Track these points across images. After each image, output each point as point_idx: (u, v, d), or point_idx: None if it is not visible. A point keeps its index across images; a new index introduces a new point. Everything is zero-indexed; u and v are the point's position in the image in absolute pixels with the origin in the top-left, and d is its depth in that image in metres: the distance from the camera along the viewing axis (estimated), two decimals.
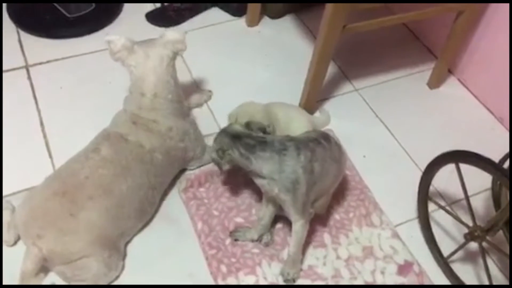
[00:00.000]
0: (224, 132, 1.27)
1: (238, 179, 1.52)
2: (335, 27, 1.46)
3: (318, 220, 1.46)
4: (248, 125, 1.28)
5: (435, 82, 1.90)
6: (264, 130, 1.30)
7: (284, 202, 1.23)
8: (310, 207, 1.27)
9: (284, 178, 1.20)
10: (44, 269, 1.28)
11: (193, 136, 1.49)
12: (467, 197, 1.27)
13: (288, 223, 1.33)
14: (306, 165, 1.21)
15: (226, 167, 1.26)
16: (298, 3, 2.10)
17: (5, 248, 1.34)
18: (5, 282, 1.26)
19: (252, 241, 1.39)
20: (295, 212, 1.24)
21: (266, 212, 1.35)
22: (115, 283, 1.31)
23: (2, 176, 1.47)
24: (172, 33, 1.42)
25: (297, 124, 1.56)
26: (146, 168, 1.36)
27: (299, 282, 1.33)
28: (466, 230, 1.30)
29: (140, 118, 1.39)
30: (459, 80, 1.93)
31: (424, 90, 1.89)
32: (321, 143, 1.27)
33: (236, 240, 1.39)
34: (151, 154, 1.37)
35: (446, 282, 1.38)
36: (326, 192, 1.35)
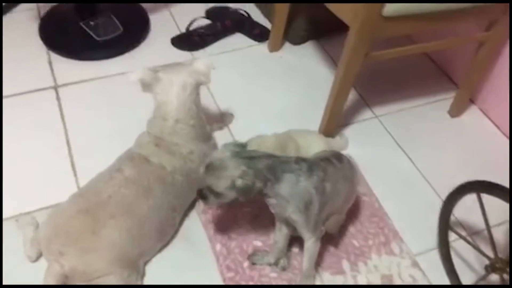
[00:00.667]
0: (236, 157, 1.17)
1: (257, 203, 1.53)
2: (358, 54, 1.48)
3: (336, 247, 1.45)
4: (243, 146, 1.24)
5: (456, 111, 1.89)
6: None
7: (296, 222, 1.23)
8: (321, 225, 1.27)
9: (297, 199, 1.19)
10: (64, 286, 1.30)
11: None
12: (488, 228, 1.26)
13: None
14: (319, 185, 1.21)
15: (213, 202, 1.25)
16: (320, 30, 2.13)
17: (27, 264, 1.36)
18: None
19: (269, 265, 1.39)
20: (307, 231, 1.24)
21: (280, 235, 1.35)
22: None
23: (2, 199, 1.50)
24: (199, 64, 1.44)
25: (316, 148, 1.57)
26: (167, 189, 1.38)
27: None
28: (487, 262, 1.28)
29: (162, 141, 1.42)
30: (480, 109, 1.93)
31: (445, 119, 1.89)
32: (333, 163, 1.28)
33: (253, 264, 1.40)
34: (172, 176, 1.40)
35: None
36: (338, 211, 1.35)
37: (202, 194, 1.22)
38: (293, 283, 1.36)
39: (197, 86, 1.44)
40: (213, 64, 1.45)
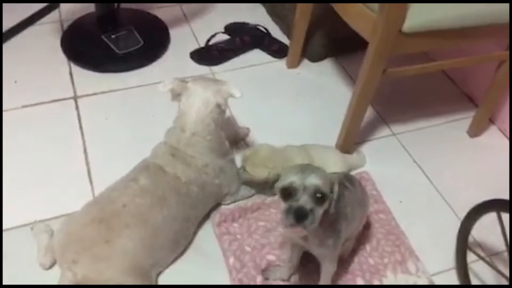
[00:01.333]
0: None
1: (272, 217, 1.52)
2: (376, 70, 1.48)
3: (351, 264, 1.43)
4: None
5: (475, 131, 1.87)
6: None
7: (321, 255, 1.19)
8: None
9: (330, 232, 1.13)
10: None
11: (229, 174, 1.51)
12: (509, 247, 1.22)
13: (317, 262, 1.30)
14: (345, 212, 1.17)
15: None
16: (338, 48, 2.14)
17: (40, 271, 1.36)
18: None
19: (283, 280, 1.37)
20: (329, 261, 1.22)
21: (293, 255, 1.32)
22: None
23: (2, 208, 1.51)
24: (229, 88, 1.43)
25: (332, 165, 1.56)
26: (182, 200, 1.38)
27: None
28: (506, 283, 1.25)
29: (178, 151, 1.42)
30: (499, 129, 1.90)
31: (463, 138, 1.87)
32: (347, 187, 1.22)
33: (266, 279, 1.38)
34: (187, 187, 1.40)
35: None
36: (352, 236, 1.33)
37: (303, 211, 0.96)
38: None
39: (219, 106, 1.43)
40: (242, 93, 1.44)
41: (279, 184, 1.01)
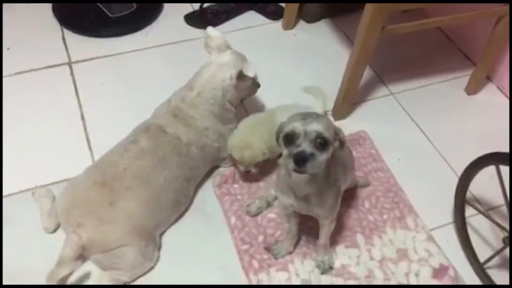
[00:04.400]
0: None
1: (271, 177, 1.53)
2: (374, 28, 1.46)
3: (351, 221, 1.45)
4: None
5: (473, 89, 1.87)
6: None
7: (321, 215, 1.20)
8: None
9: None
10: (81, 257, 1.31)
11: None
12: (507, 200, 1.24)
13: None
14: (342, 169, 1.20)
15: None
16: (335, 8, 2.11)
17: (44, 235, 1.38)
18: (43, 268, 1.29)
19: (289, 253, 1.37)
20: (329, 221, 1.23)
21: (291, 225, 1.31)
22: (150, 273, 1.33)
23: (2, 175, 1.51)
24: (249, 67, 1.45)
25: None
26: (183, 161, 1.39)
27: (333, 280, 1.32)
28: (504, 236, 1.28)
29: (181, 111, 1.42)
30: (497, 87, 1.90)
31: (461, 96, 1.87)
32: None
33: (276, 258, 1.36)
34: (188, 147, 1.40)
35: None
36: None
37: (302, 157, 0.95)
38: (308, 257, 1.36)
39: (232, 78, 1.42)
40: (256, 75, 1.48)
41: (282, 132, 1.01)
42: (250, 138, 1.44)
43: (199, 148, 1.42)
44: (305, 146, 0.96)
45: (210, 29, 1.47)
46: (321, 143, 0.97)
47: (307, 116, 0.99)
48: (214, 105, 1.43)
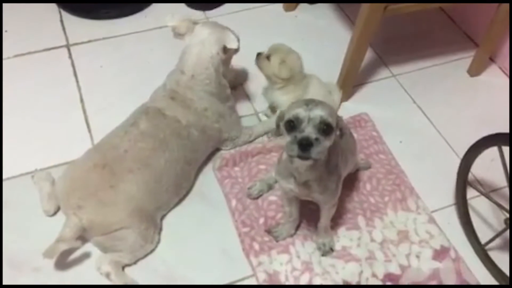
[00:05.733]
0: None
1: (273, 160, 1.52)
2: (377, 7, 1.44)
3: (352, 203, 1.45)
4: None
5: (475, 70, 1.85)
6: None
7: (323, 200, 1.19)
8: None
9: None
10: (81, 238, 1.31)
11: (229, 120, 1.50)
12: (508, 179, 1.23)
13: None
14: (345, 154, 1.19)
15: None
16: None
17: (44, 218, 1.38)
18: (41, 249, 1.29)
19: (291, 236, 1.37)
20: (331, 205, 1.23)
21: (292, 209, 1.31)
22: (151, 256, 1.33)
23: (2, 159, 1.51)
24: (230, 39, 1.39)
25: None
26: (183, 143, 1.38)
27: (334, 261, 1.32)
28: (505, 218, 1.27)
29: (178, 94, 1.40)
30: (500, 68, 1.88)
31: (464, 78, 1.85)
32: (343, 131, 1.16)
33: (277, 240, 1.35)
34: (188, 130, 1.39)
35: (482, 268, 1.35)
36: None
37: (307, 141, 0.94)
38: (309, 239, 1.36)
39: (218, 54, 1.40)
40: (238, 46, 1.42)
41: (284, 117, 0.99)
42: None
43: (199, 130, 1.41)
44: (310, 131, 0.95)
45: (169, 18, 1.41)
46: (325, 128, 0.96)
47: (309, 102, 0.98)
48: (210, 84, 1.41)
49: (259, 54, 1.56)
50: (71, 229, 1.24)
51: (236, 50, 1.45)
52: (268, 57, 1.53)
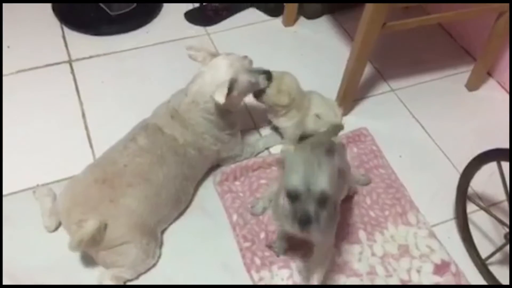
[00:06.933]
0: None
1: (273, 174, 1.53)
2: (375, 24, 1.46)
3: (353, 217, 1.45)
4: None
5: (473, 84, 1.87)
6: None
7: (321, 243, 1.16)
8: None
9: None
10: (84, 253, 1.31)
11: (228, 143, 1.50)
12: (508, 195, 1.24)
13: None
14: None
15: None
16: (335, 4, 2.10)
17: (45, 234, 1.38)
18: (44, 266, 1.30)
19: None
20: (328, 247, 1.19)
21: (282, 243, 1.33)
22: (152, 270, 1.33)
23: (3, 174, 1.51)
24: (218, 92, 1.32)
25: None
26: (180, 160, 1.39)
27: (335, 277, 1.32)
28: (505, 232, 1.28)
29: (178, 114, 1.41)
30: (498, 82, 1.90)
31: (462, 92, 1.87)
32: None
33: (278, 255, 1.36)
34: (184, 148, 1.40)
35: (483, 283, 1.35)
36: None
37: (306, 219, 0.96)
38: (309, 254, 1.36)
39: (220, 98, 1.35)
40: (221, 100, 1.32)
41: (285, 184, 0.99)
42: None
43: (197, 150, 1.42)
44: (309, 206, 0.95)
45: (189, 46, 1.43)
46: (324, 200, 0.96)
47: (309, 172, 0.96)
48: (209, 114, 1.41)
49: (257, 92, 1.53)
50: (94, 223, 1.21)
51: (256, 84, 1.45)
52: (263, 90, 1.51)
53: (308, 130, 1.55)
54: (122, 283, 1.28)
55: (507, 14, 1.62)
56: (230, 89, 1.34)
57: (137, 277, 1.31)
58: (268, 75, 1.49)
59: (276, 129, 1.66)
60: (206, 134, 1.43)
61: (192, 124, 1.41)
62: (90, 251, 1.29)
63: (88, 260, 1.33)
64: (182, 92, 1.44)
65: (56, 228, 1.38)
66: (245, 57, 1.46)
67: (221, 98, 1.31)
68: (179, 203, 1.41)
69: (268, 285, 1.30)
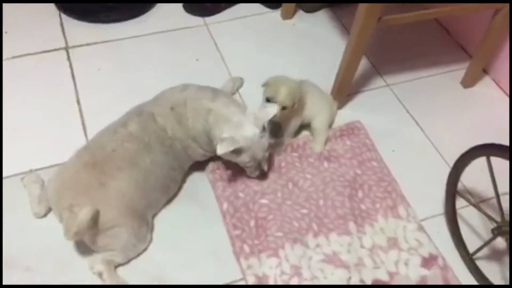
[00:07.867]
0: None
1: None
2: (371, 18, 1.46)
3: (343, 209, 1.46)
4: None
5: (469, 81, 1.87)
6: None
7: None
8: None
9: None
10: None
11: (213, 152, 1.46)
12: (496, 191, 1.25)
13: None
14: None
15: None
16: None
17: (34, 220, 1.38)
18: (35, 252, 1.31)
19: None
20: None
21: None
22: (142, 257, 1.34)
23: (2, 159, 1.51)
24: (220, 145, 1.33)
25: (320, 118, 1.61)
26: (165, 151, 1.39)
27: (323, 266, 1.33)
28: (492, 227, 1.28)
29: (183, 107, 1.41)
30: (493, 80, 1.91)
31: (457, 89, 1.88)
32: None
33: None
34: (172, 141, 1.40)
35: (470, 277, 1.36)
36: None
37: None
38: (299, 242, 1.37)
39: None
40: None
41: None
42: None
43: (183, 147, 1.42)
44: None
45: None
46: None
47: None
48: (209, 133, 1.40)
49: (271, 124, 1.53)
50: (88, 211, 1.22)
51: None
52: (268, 100, 1.51)
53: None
54: (113, 267, 1.29)
55: (504, 11, 1.63)
56: (235, 151, 1.35)
57: (128, 262, 1.32)
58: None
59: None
60: (195, 141, 1.43)
61: (188, 124, 1.41)
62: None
63: (80, 245, 1.34)
64: (205, 89, 1.43)
65: (45, 214, 1.39)
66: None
67: (220, 152, 1.32)
68: (168, 189, 1.42)
69: (268, 285, 1.30)
